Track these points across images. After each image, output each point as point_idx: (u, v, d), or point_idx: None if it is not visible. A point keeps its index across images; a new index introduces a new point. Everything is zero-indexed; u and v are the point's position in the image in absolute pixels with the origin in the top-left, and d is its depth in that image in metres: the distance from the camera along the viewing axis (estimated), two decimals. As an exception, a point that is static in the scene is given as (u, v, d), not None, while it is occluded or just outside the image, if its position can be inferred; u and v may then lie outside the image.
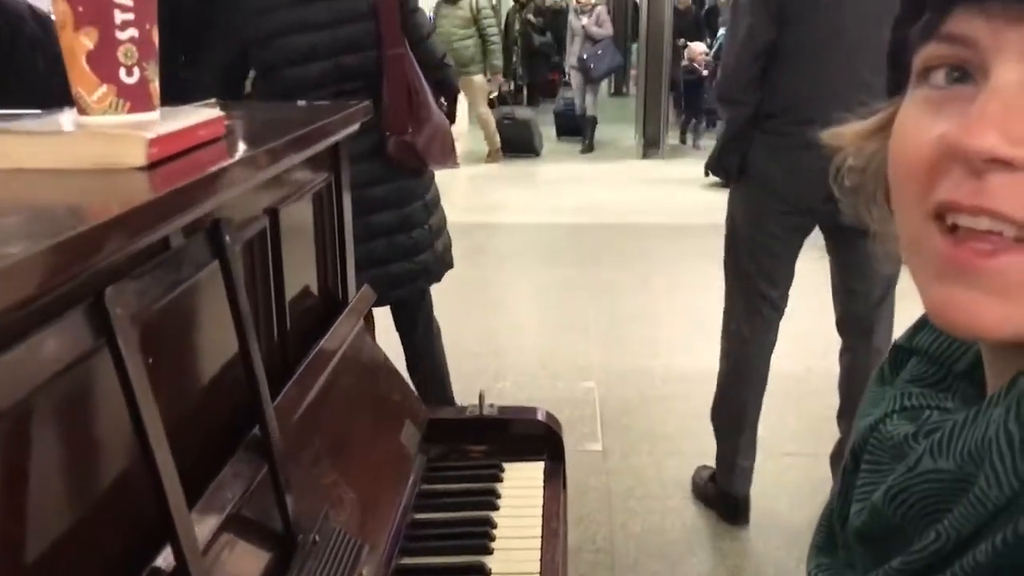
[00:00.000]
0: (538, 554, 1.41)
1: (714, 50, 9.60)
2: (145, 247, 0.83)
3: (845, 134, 0.61)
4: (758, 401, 2.83)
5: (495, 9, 8.92)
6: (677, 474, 3.18)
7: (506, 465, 1.63)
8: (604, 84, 12.15)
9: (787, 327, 2.81)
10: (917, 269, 0.54)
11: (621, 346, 4.38)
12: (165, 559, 0.82)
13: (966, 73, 0.51)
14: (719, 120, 7.07)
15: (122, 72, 0.95)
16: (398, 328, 2.89)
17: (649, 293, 5.17)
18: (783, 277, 2.73)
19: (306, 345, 1.32)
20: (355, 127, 1.51)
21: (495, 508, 1.51)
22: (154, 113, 1.00)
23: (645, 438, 3.47)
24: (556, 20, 11.85)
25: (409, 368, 2.89)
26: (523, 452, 1.67)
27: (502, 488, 1.57)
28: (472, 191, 8.19)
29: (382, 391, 1.58)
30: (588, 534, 2.85)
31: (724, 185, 2.93)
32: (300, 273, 1.39)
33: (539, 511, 1.52)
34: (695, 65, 10.00)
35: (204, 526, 0.89)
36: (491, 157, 9.48)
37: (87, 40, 0.93)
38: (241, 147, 1.08)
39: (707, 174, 2.71)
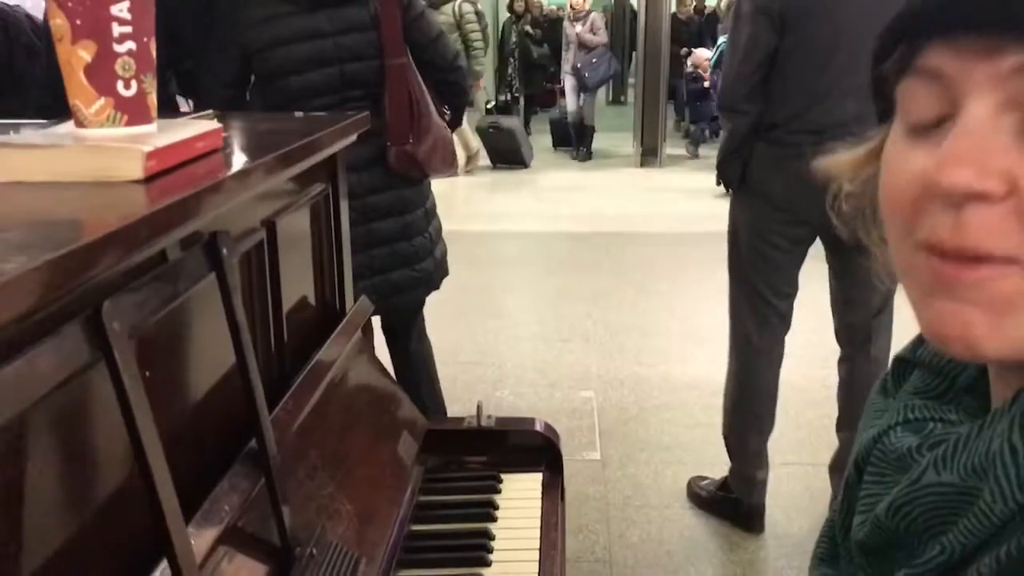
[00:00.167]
0: (536, 566, 1.40)
1: (713, 58, 9.55)
2: (142, 260, 0.83)
3: (840, 163, 0.61)
4: (772, 412, 2.84)
5: (479, 15, 8.82)
6: (675, 483, 3.17)
7: (504, 476, 1.63)
8: (602, 92, 12.13)
9: (786, 337, 2.81)
10: (910, 291, 0.54)
11: (620, 355, 4.38)
12: (162, 573, 0.82)
13: (942, 105, 0.51)
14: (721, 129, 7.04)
15: (120, 85, 0.95)
16: (390, 339, 2.88)
17: (647, 302, 5.18)
18: (787, 286, 2.73)
19: (304, 357, 1.32)
20: (352, 138, 1.52)
21: (493, 520, 1.51)
22: (151, 126, 1.00)
23: (643, 447, 3.46)
24: (554, 31, 11.84)
25: (398, 379, 2.88)
26: (521, 463, 1.67)
27: (500, 499, 1.56)
28: (469, 199, 8.20)
29: (379, 402, 1.58)
30: (587, 544, 2.85)
31: (724, 193, 2.93)
32: (297, 284, 1.39)
33: (537, 523, 1.52)
34: (700, 72, 9.96)
35: (201, 540, 0.89)
36: (468, 164, 9.34)
37: (85, 53, 0.93)
38: (238, 160, 1.08)
39: (719, 183, 2.73)
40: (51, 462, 0.75)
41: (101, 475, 0.82)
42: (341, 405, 1.39)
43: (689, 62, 10.25)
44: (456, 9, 8.44)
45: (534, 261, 6.27)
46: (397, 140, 2.59)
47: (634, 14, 12.11)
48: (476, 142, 9.34)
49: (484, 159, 9.57)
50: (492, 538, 1.45)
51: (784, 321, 2.76)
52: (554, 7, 14.21)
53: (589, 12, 10.10)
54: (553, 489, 1.63)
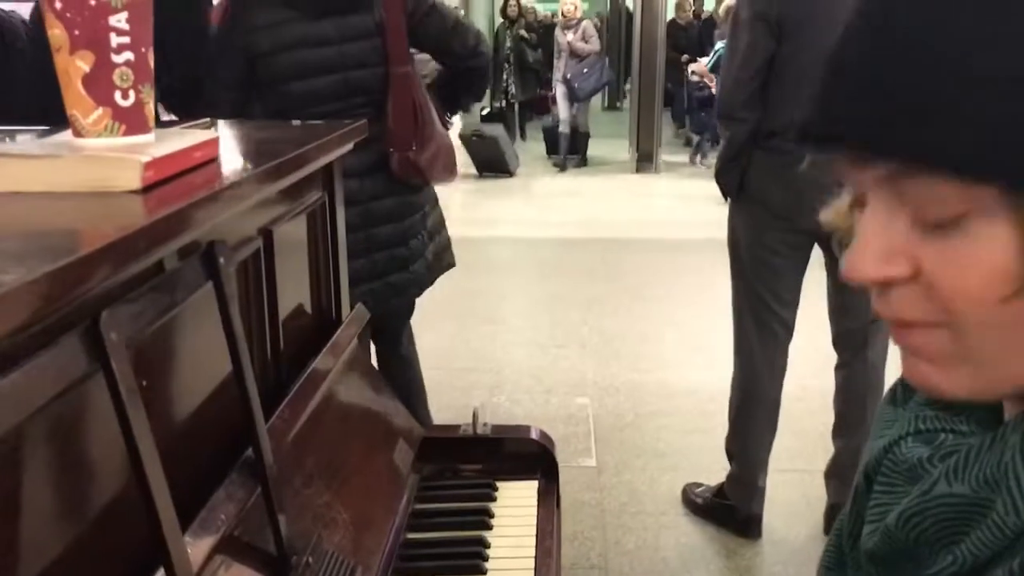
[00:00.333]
0: (532, 574, 1.40)
1: (711, 62, 9.47)
2: (140, 270, 0.83)
3: (835, 214, 0.63)
4: (774, 421, 2.85)
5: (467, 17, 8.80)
6: (671, 490, 3.18)
7: (500, 484, 1.63)
8: (597, 98, 12.07)
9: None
10: None
11: (615, 362, 4.38)
12: (159, 582, 0.82)
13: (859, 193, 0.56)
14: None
15: (117, 95, 0.96)
16: (379, 343, 2.88)
17: (643, 308, 5.18)
18: (789, 293, 2.73)
19: (300, 365, 1.32)
20: (349, 147, 1.52)
21: (488, 527, 1.51)
22: (149, 136, 1.00)
23: (639, 454, 3.47)
24: (548, 36, 11.79)
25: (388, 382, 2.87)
26: (517, 471, 1.67)
27: (496, 507, 1.56)
28: (465, 205, 8.20)
29: (375, 410, 1.58)
30: (582, 551, 2.85)
31: (720, 200, 2.93)
32: (294, 292, 1.39)
33: (533, 530, 1.52)
34: (706, 81, 9.86)
35: (197, 548, 0.89)
36: None
37: (83, 63, 0.93)
38: (236, 169, 1.08)
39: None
40: (49, 472, 0.75)
41: (98, 484, 0.83)
42: (337, 413, 1.39)
43: (691, 69, 10.15)
44: None
45: (529, 267, 6.28)
46: (400, 147, 2.60)
47: (630, 18, 12.06)
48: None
49: (469, 167, 9.45)
50: (488, 546, 1.45)
51: (787, 330, 2.77)
52: (548, 13, 14.21)
53: (580, 20, 9.98)
54: (549, 496, 1.63)
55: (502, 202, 8.46)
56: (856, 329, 2.71)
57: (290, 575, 1.03)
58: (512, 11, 11.61)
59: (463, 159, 9.24)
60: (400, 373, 2.88)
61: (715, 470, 3.03)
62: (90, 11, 0.92)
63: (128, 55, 0.95)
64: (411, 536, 1.46)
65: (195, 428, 1.01)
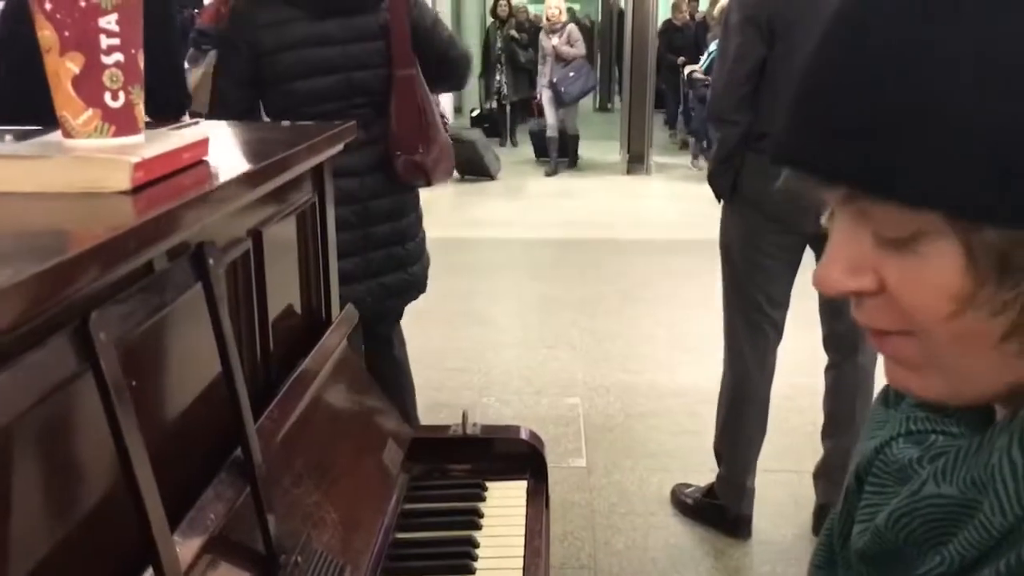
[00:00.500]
0: (520, 574, 1.41)
1: (704, 64, 9.43)
2: (129, 271, 0.84)
3: (829, 219, 0.64)
4: (764, 422, 2.86)
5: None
6: (660, 490, 3.18)
7: (489, 484, 1.64)
8: (588, 99, 12.01)
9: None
10: None
11: (605, 362, 4.39)
12: (147, 582, 0.83)
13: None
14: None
15: (107, 96, 0.96)
16: (370, 344, 2.88)
17: (633, 309, 5.19)
18: (781, 295, 2.74)
19: (289, 365, 1.33)
20: (339, 148, 1.52)
21: (478, 527, 1.51)
22: (139, 136, 1.00)
23: (629, 454, 3.48)
24: (539, 35, 11.77)
25: (379, 383, 2.88)
26: (506, 471, 1.67)
27: (485, 507, 1.57)
28: (453, 207, 8.20)
29: (365, 410, 1.59)
30: (572, 551, 2.85)
31: (711, 201, 2.94)
32: (284, 293, 1.39)
33: (522, 530, 1.52)
34: (708, 80, 9.76)
35: (186, 548, 0.90)
36: None
37: (72, 65, 0.94)
38: (225, 170, 1.09)
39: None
40: (38, 472, 0.76)
41: (88, 484, 0.83)
42: (326, 413, 1.39)
43: (688, 70, 10.06)
44: None
45: (519, 268, 6.28)
46: (407, 150, 2.61)
47: (621, 19, 12.01)
48: None
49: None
50: (477, 546, 1.46)
51: (778, 331, 2.78)
52: (539, 13, 14.20)
53: (566, 24, 9.90)
54: (538, 496, 1.64)
55: (491, 204, 8.45)
56: (846, 332, 2.72)
57: (279, 574, 1.03)
58: (503, 11, 11.56)
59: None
60: (390, 374, 2.88)
61: (705, 471, 3.04)
62: (80, 12, 0.93)
63: (118, 56, 0.96)
64: (400, 536, 1.47)
65: (184, 428, 1.01)
